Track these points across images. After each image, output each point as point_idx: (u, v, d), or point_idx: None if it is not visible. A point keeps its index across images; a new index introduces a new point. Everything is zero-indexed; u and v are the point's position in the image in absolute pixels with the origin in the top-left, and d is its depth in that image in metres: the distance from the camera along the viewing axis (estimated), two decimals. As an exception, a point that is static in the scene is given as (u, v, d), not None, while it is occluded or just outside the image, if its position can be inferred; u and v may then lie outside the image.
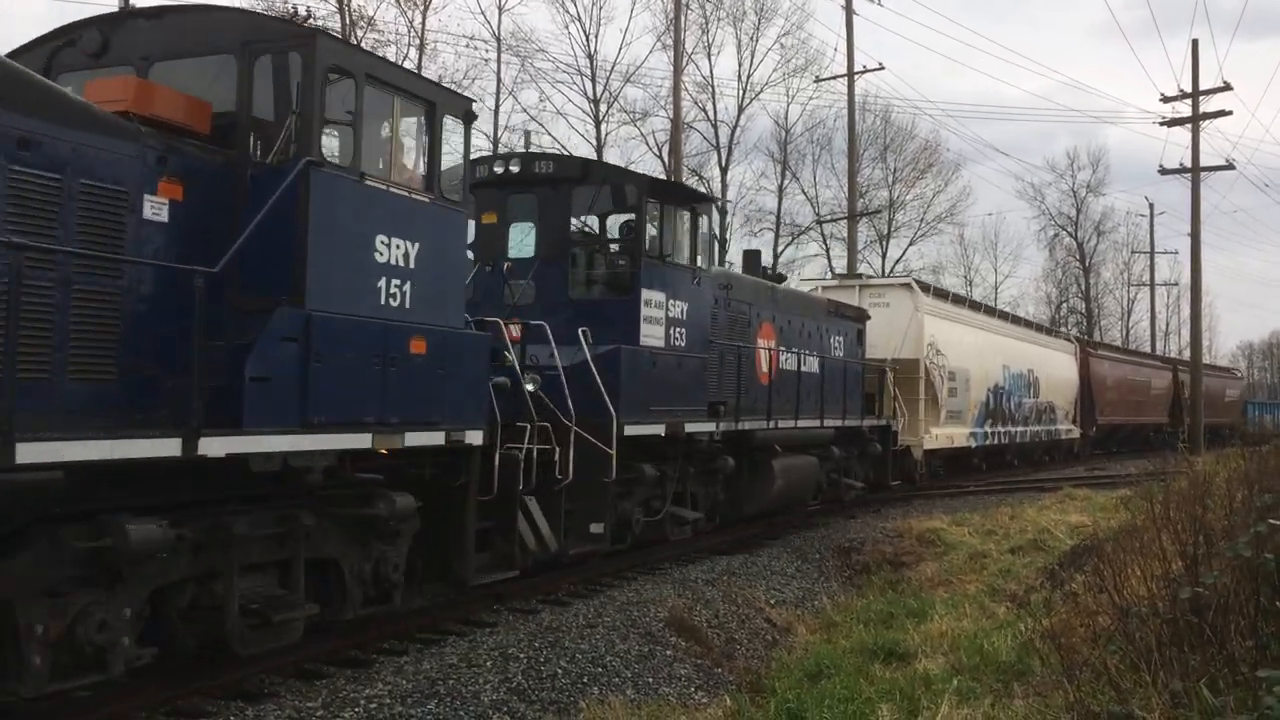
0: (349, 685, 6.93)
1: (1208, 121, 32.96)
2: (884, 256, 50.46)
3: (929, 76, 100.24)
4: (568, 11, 40.83)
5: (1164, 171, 34.85)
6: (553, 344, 9.82)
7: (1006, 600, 10.28)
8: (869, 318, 19.09)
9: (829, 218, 44.81)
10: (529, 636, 8.24)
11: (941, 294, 24.97)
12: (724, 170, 44.11)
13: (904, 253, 52.47)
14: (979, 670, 7.41)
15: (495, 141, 36.42)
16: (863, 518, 16.95)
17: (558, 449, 9.46)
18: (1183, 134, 33.77)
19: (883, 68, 34.10)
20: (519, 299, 10.79)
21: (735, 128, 44.33)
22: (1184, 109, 33.09)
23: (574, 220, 11.76)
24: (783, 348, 14.75)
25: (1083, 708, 5.37)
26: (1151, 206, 61.29)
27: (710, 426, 12.10)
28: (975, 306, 27.10)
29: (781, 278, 19.69)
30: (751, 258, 16.45)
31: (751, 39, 44.06)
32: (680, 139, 31.22)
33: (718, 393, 12.52)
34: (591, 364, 10.01)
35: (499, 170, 11.62)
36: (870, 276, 26.72)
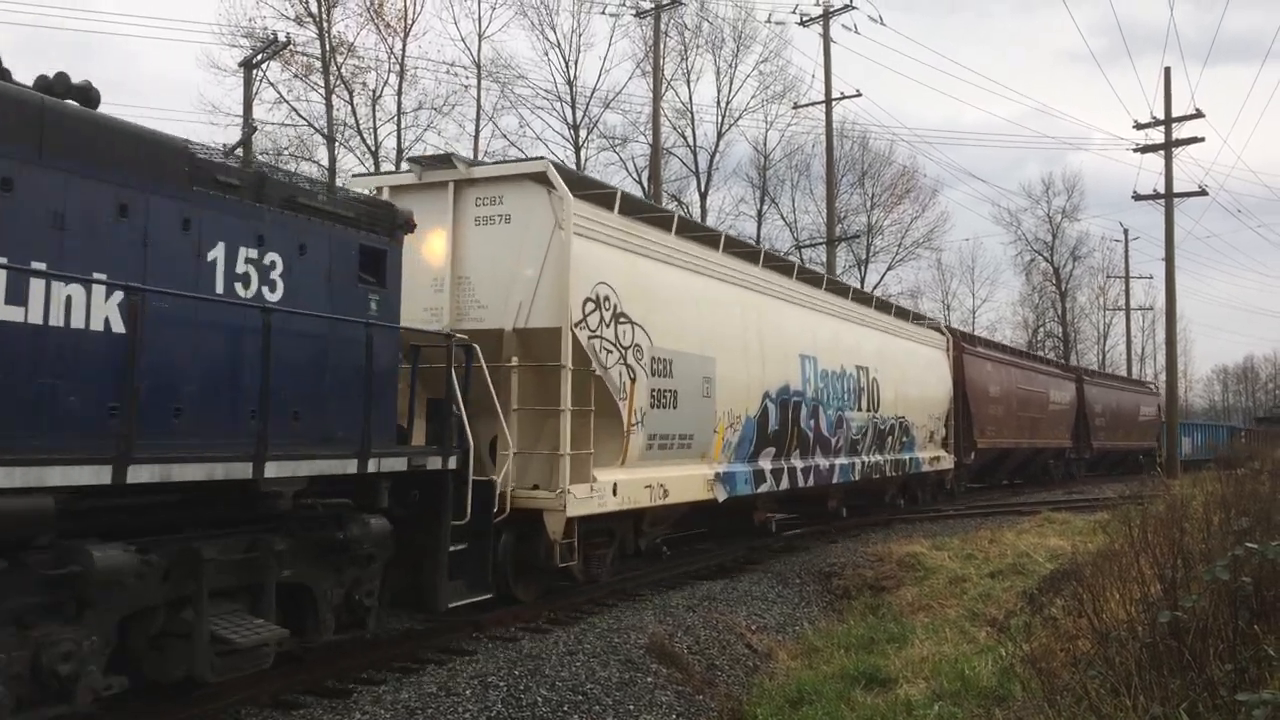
0: (326, 715, 6.84)
1: (1181, 148, 33.37)
2: (862, 281, 50.71)
3: (900, 101, 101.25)
4: (548, 39, 41.18)
5: (1138, 197, 35.23)
6: None
7: (987, 625, 10.27)
8: (406, 223, 8.68)
9: (808, 243, 45.06)
10: (509, 664, 8.16)
11: (635, 206, 11.98)
12: (703, 196, 44.38)
13: (882, 277, 52.79)
14: (960, 696, 7.39)
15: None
16: (843, 542, 16.93)
17: None
18: (1156, 160, 34.27)
19: (860, 94, 34.46)
20: None
21: (714, 153, 44.68)
22: (1157, 135, 33.55)
23: None
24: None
25: (1064, 733, 5.36)
26: (1126, 232, 62.02)
27: None
28: (713, 241, 13.57)
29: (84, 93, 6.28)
30: None
31: (730, 66, 44.47)
32: (659, 164, 31.39)
33: None
34: None
35: None
36: (480, 161, 13.16)
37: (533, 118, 51.49)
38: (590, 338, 10.16)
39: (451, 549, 8.48)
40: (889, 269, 53.48)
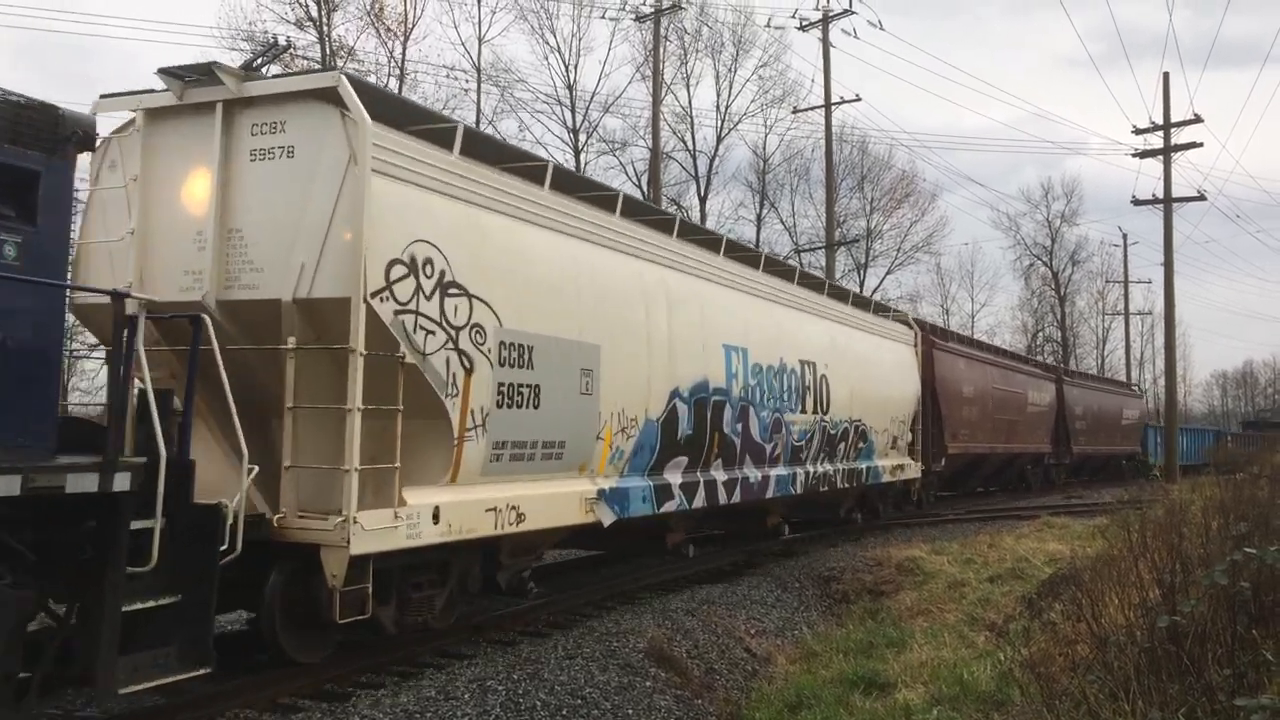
0: (325, 719, 6.84)
1: (1179, 153, 33.43)
2: (861, 285, 50.77)
3: (899, 106, 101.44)
4: (547, 43, 41.29)
5: (1137, 202, 35.31)
6: None
7: (986, 629, 10.28)
8: (81, 135, 6.08)
9: (807, 247, 45.14)
10: (507, 668, 8.17)
11: (491, 148, 9.46)
12: (703, 200, 44.46)
13: (881, 281, 52.89)
14: (959, 700, 7.39)
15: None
16: (843, 546, 16.94)
17: None
18: (1155, 164, 34.31)
19: (859, 99, 34.45)
20: None
21: (714, 157, 44.76)
22: (1155, 140, 33.64)
23: None
24: None
25: (1063, 738, 5.36)
26: (1125, 237, 62.15)
27: None
28: (608, 204, 10.88)
29: None
30: None
31: (730, 70, 44.59)
32: (659, 168, 31.41)
33: None
34: None
35: None
36: (256, 74, 8.25)
37: (532, 122, 51.58)
38: (398, 313, 7.56)
39: (141, 606, 5.84)
40: (888, 273, 53.64)
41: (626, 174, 42.28)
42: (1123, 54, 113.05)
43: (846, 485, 16.59)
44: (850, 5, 33.48)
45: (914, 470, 20.03)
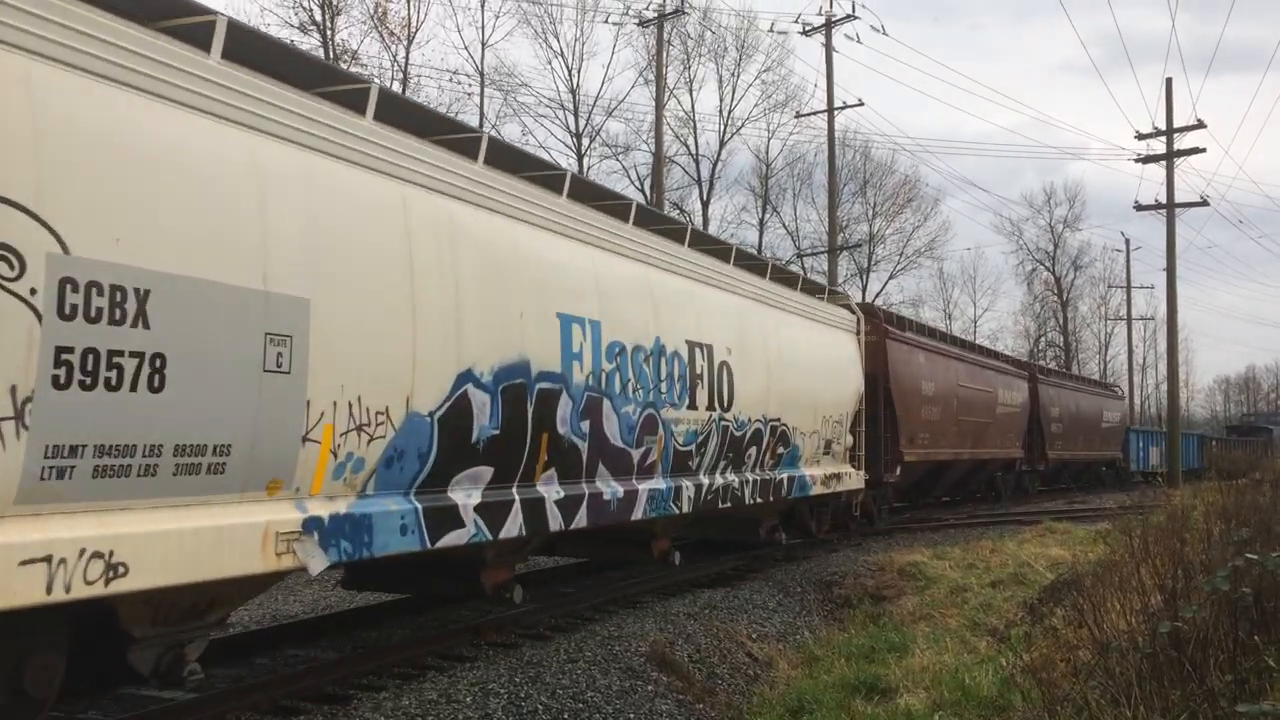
0: (326, 722, 6.85)
1: (1182, 158, 33.45)
2: (864, 290, 50.83)
3: (901, 110, 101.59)
4: (551, 47, 41.43)
5: (1139, 207, 35.36)
6: None
7: (987, 634, 10.28)
8: None
9: (809, 251, 45.18)
10: (509, 671, 8.18)
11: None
12: (705, 204, 44.51)
13: (884, 286, 52.93)
14: (961, 705, 7.40)
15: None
16: (844, 551, 16.94)
17: None
18: (1157, 170, 34.30)
19: (862, 104, 34.54)
20: None
21: (716, 162, 44.81)
22: (1158, 146, 33.64)
23: None
24: None
25: (1064, 743, 5.37)
26: (1128, 242, 62.20)
27: None
28: (356, 104, 7.27)
29: None
30: None
31: (733, 74, 44.63)
32: (662, 173, 31.46)
33: None
34: None
35: None
36: None
37: (535, 126, 51.91)
38: None
39: None
40: (891, 278, 53.67)
41: (629, 178, 42.37)
42: (1124, 59, 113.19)
43: (759, 500, 13.18)
44: (853, 10, 33.55)
45: (855, 480, 16.74)
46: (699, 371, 11.53)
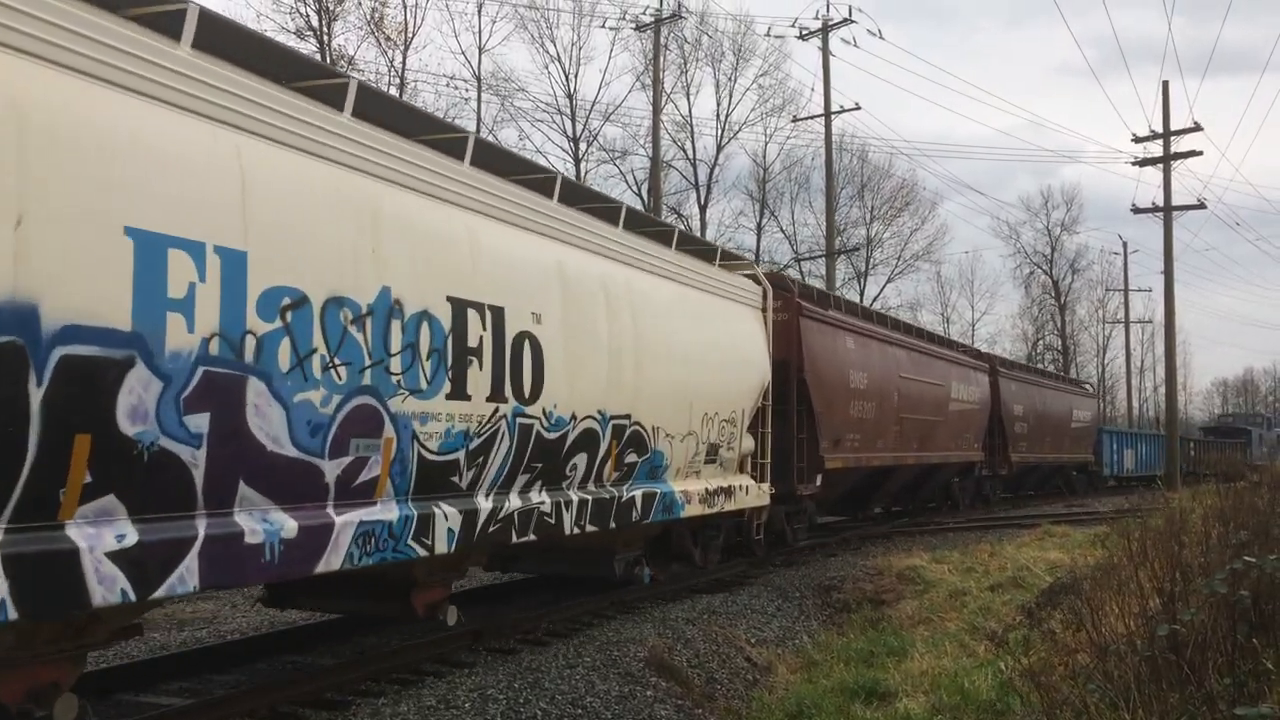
0: (325, 728, 6.84)
1: (1179, 161, 33.51)
2: (862, 294, 50.83)
3: (898, 114, 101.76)
4: (548, 52, 41.49)
5: (1137, 210, 35.41)
6: None
7: (986, 638, 10.27)
8: None
9: (807, 255, 45.24)
10: (508, 677, 8.17)
11: None
12: (703, 208, 44.57)
13: (881, 289, 52.96)
14: (959, 709, 7.39)
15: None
16: (843, 555, 16.95)
17: None
18: (1154, 172, 34.38)
19: (859, 107, 34.59)
20: None
21: (714, 166, 44.91)
22: (1155, 149, 33.69)
23: None
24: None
25: (1063, 747, 5.37)
26: (1125, 245, 62.23)
27: None
28: None
29: None
30: None
31: (730, 79, 44.74)
32: (659, 177, 31.50)
33: None
34: None
35: None
36: None
37: (533, 130, 51.62)
38: None
39: None
40: (888, 281, 53.72)
41: (627, 182, 42.42)
42: (1119, 62, 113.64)
43: (592, 527, 9.62)
44: (850, 14, 33.63)
45: (755, 494, 13.32)
46: (474, 345, 7.94)
